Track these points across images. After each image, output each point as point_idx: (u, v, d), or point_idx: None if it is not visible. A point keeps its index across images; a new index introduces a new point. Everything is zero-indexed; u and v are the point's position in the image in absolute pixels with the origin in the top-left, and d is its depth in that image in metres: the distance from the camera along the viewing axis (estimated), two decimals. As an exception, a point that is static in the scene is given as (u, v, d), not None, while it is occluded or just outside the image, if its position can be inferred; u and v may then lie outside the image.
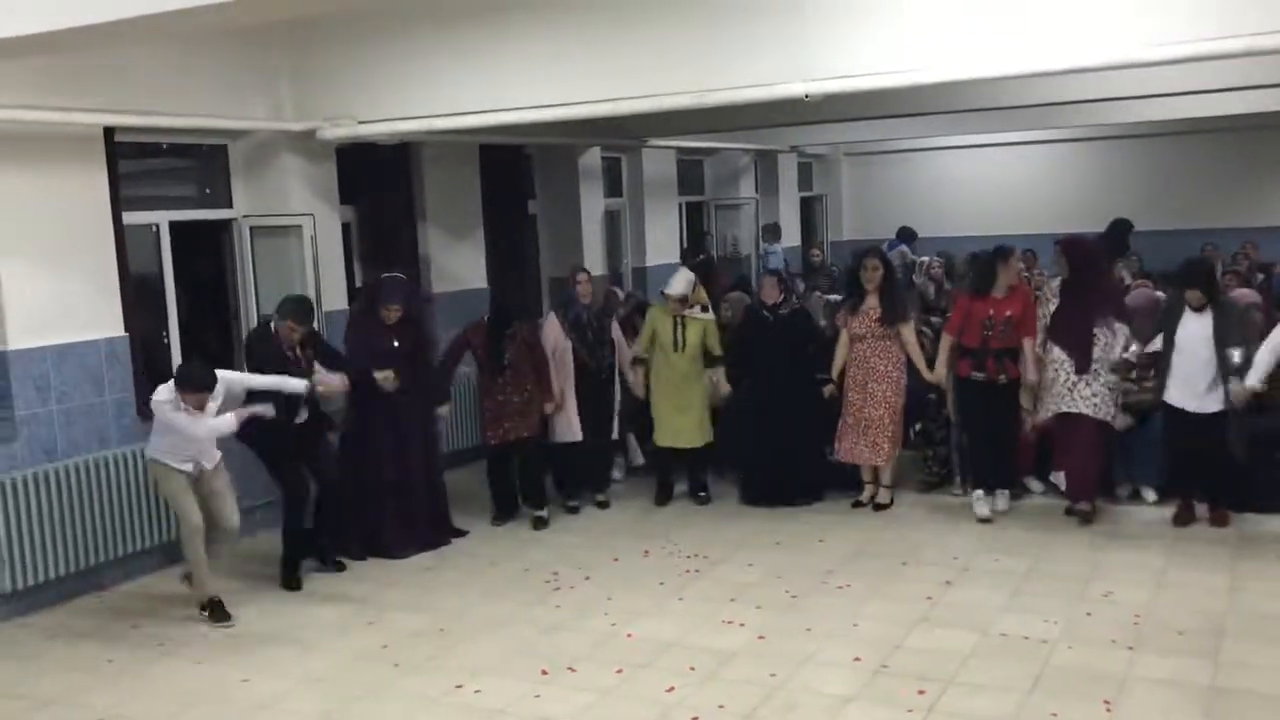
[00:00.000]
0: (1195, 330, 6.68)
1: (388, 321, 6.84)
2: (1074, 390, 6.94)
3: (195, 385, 5.63)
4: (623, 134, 10.68)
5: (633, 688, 4.90)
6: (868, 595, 5.95)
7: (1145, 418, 7.18)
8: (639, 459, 8.42)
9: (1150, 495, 7.30)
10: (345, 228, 8.29)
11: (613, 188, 11.98)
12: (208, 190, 7.73)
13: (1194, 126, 13.41)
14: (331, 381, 6.29)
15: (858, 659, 5.07)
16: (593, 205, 11.08)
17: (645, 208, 12.32)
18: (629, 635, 5.50)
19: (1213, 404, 6.62)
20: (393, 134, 7.46)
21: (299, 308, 6.37)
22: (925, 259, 11.84)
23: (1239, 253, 11.21)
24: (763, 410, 7.62)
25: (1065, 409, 6.97)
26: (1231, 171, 14.92)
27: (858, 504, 7.58)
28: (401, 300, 6.89)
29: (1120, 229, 12.36)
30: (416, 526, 7.01)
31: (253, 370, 6.20)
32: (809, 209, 17.20)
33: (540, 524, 7.42)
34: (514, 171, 10.04)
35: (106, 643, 5.71)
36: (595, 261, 10.98)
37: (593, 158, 11.06)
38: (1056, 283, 7.24)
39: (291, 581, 6.42)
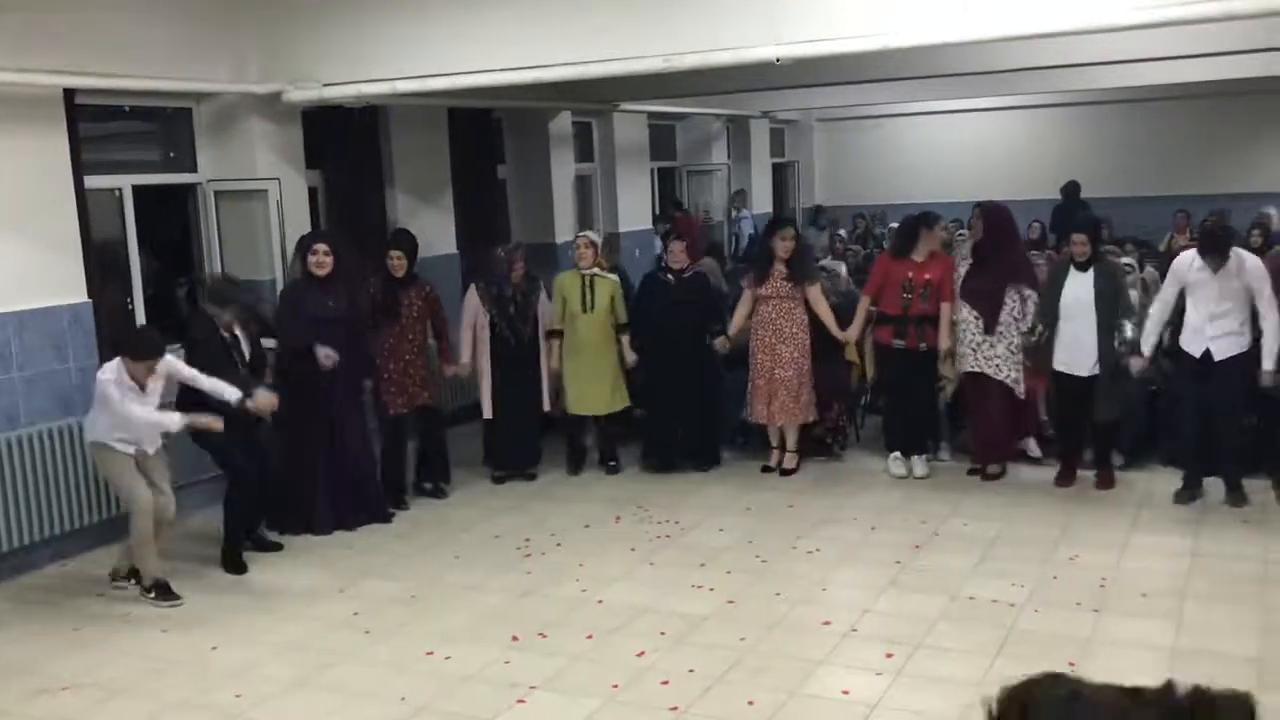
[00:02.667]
0: (1080, 292, 6.76)
1: (319, 271, 6.58)
2: (978, 350, 7.11)
3: (144, 351, 5.48)
4: (593, 98, 10.60)
5: (603, 653, 4.91)
6: (837, 560, 5.98)
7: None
8: None
9: (1116, 460, 7.36)
10: (312, 192, 8.19)
11: (584, 153, 11.90)
12: (171, 154, 7.62)
13: (1168, 93, 13.48)
14: (263, 403, 5.91)
15: (827, 623, 5.10)
16: (563, 170, 11.01)
17: (617, 173, 12.25)
18: (600, 601, 5.51)
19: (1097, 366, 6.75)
20: (359, 97, 7.36)
21: (216, 292, 6.14)
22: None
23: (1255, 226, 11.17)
24: (662, 374, 7.66)
25: (970, 368, 7.15)
26: (1203, 138, 15.02)
27: (767, 468, 7.64)
28: (331, 243, 6.65)
29: (1070, 190, 12.46)
30: (350, 502, 6.79)
31: (192, 361, 5.91)
32: (781, 175, 17.18)
33: (440, 494, 7.36)
34: (483, 136, 9.95)
35: (72, 611, 5.66)
36: (566, 229, 10.93)
37: (563, 122, 10.98)
38: (968, 247, 7.39)
39: (238, 565, 6.13)
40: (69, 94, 6.39)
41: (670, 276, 7.71)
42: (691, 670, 4.66)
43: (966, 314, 7.17)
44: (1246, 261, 6.41)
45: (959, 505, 6.80)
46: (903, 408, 7.52)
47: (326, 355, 6.50)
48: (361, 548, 6.51)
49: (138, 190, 7.19)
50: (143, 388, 5.56)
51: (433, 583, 5.88)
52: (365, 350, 6.89)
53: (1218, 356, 6.41)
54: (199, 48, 7.07)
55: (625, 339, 7.73)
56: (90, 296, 6.57)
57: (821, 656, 4.76)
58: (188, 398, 5.84)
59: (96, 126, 7.03)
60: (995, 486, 7.16)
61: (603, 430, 7.89)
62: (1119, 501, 6.75)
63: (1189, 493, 6.64)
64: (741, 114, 14.65)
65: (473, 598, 5.65)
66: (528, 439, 7.77)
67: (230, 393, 5.79)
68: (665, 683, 4.56)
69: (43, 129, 6.31)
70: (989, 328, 7.07)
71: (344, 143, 8.39)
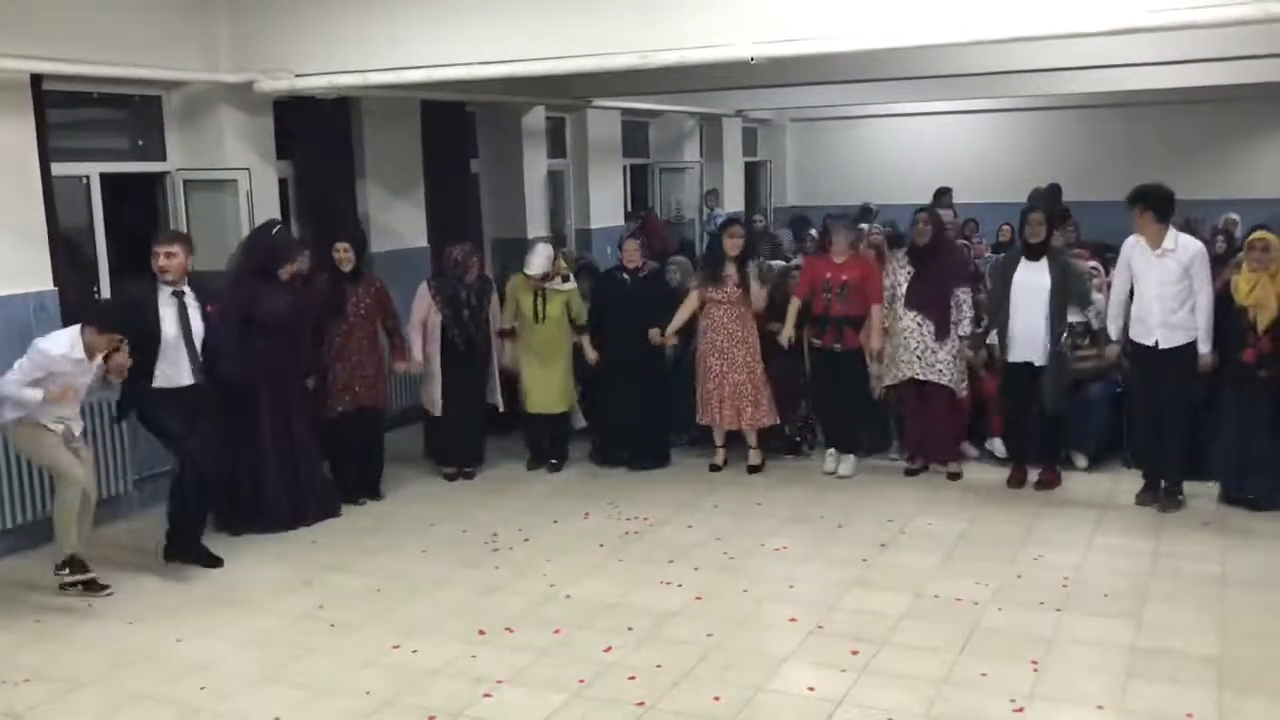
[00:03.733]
0: (1032, 282, 6.81)
1: (286, 276, 6.53)
2: (924, 358, 7.17)
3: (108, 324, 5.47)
4: (567, 93, 10.59)
5: (570, 648, 4.91)
6: (805, 557, 6.01)
7: (1078, 385, 7.31)
8: (580, 422, 8.39)
9: (1081, 461, 7.44)
10: (282, 183, 8.14)
11: (556, 148, 11.89)
12: (140, 142, 7.55)
13: (1139, 98, 13.60)
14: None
15: (794, 619, 5.13)
16: (536, 166, 10.99)
17: (589, 169, 12.25)
18: (568, 596, 5.51)
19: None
20: (331, 88, 7.33)
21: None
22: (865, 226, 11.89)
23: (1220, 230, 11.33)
24: (617, 373, 7.68)
25: (918, 374, 7.20)
26: (1174, 144, 15.15)
27: (714, 467, 7.69)
28: (302, 253, 6.59)
29: (1052, 193, 12.49)
30: (298, 499, 6.65)
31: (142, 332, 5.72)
32: (753, 174, 17.22)
33: (378, 495, 7.22)
34: (456, 130, 9.91)
35: (33, 603, 5.60)
36: (539, 224, 10.92)
37: (536, 118, 10.96)
38: (902, 253, 7.45)
39: (202, 554, 5.98)
40: (36, 79, 6.31)
41: (625, 275, 7.73)
42: (658, 665, 4.68)
43: (910, 321, 7.20)
44: (1185, 241, 6.50)
45: (926, 505, 6.85)
46: (828, 406, 7.64)
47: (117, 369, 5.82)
48: (327, 542, 6.48)
49: (106, 178, 7.12)
50: (92, 358, 5.48)
51: (399, 577, 5.86)
52: (309, 348, 6.74)
53: (1164, 345, 6.48)
54: (170, 35, 7.01)
55: (585, 339, 7.75)
56: (56, 284, 6.50)
57: (787, 653, 4.79)
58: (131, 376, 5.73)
59: (64, 113, 6.96)
60: (962, 486, 7.21)
61: (551, 429, 7.88)
62: (1083, 503, 6.81)
63: (1151, 493, 6.70)
64: (715, 112, 14.68)
65: (439, 592, 5.64)
66: (473, 437, 7.73)
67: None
68: (632, 678, 4.57)
69: (9, 115, 6.23)
70: (941, 334, 7.12)
71: (315, 134, 8.33)
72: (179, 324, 5.83)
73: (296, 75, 7.16)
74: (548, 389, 7.71)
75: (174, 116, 7.48)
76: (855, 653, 4.75)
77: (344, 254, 7.03)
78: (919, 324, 7.17)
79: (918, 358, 7.18)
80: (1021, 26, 5.80)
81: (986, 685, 4.42)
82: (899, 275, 7.28)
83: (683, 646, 4.87)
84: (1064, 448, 7.31)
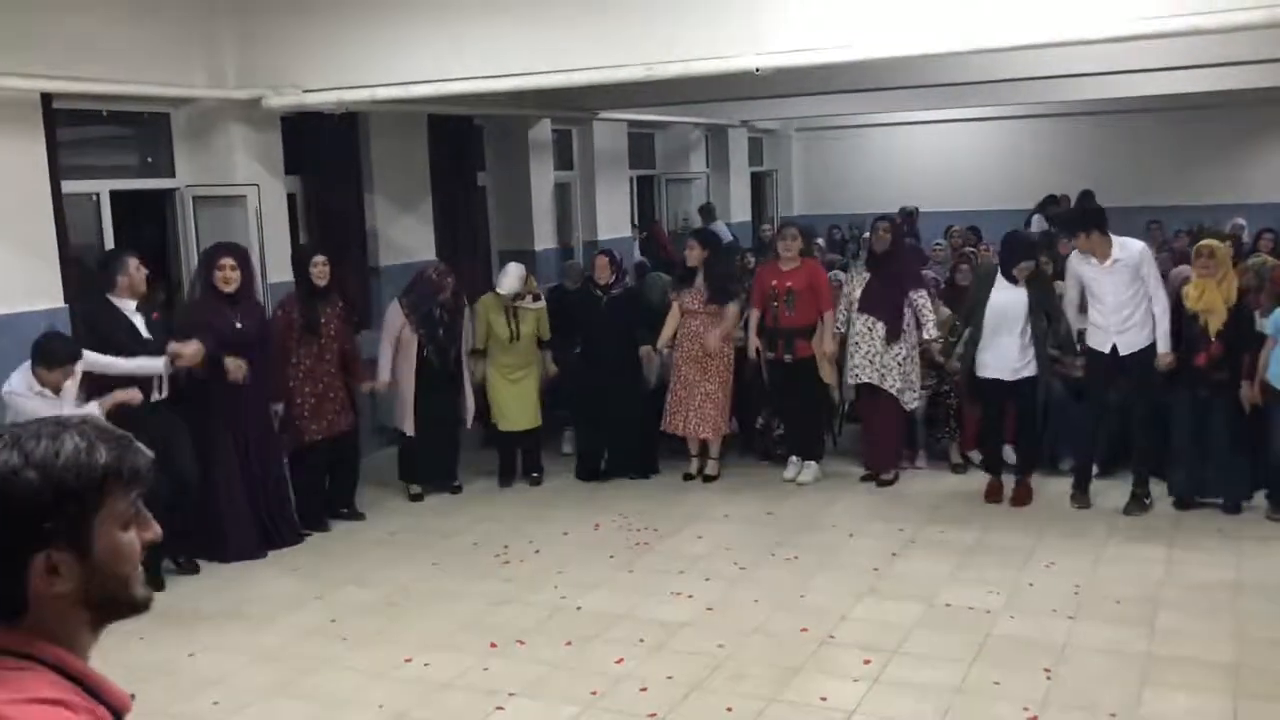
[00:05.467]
0: (1010, 303, 6.83)
1: (225, 287, 6.20)
2: (874, 362, 7.25)
3: (57, 359, 5.29)
4: (573, 106, 10.62)
5: (582, 660, 4.91)
6: (815, 567, 6.00)
7: (1079, 393, 7.31)
8: (568, 447, 8.39)
9: (1067, 464, 7.44)
10: (291, 199, 8.17)
11: (563, 160, 11.91)
12: (149, 159, 7.58)
13: (1146, 105, 13.58)
14: (187, 352, 5.70)
15: (805, 629, 5.12)
16: (543, 178, 11.02)
17: (596, 181, 12.27)
18: (578, 608, 5.51)
19: (1027, 370, 6.82)
20: (338, 103, 7.34)
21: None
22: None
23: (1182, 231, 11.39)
24: (595, 390, 7.72)
25: (866, 379, 7.29)
26: (1181, 150, 15.15)
27: (688, 476, 7.74)
28: (239, 257, 6.29)
29: (1086, 200, 12.39)
30: (260, 529, 6.46)
31: (105, 350, 5.69)
32: (759, 184, 17.23)
33: (359, 516, 7.11)
34: (463, 143, 9.95)
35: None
36: (546, 236, 10.94)
37: (543, 130, 10.99)
38: (861, 263, 7.55)
39: (155, 581, 5.65)
40: (46, 98, 6.34)
41: (599, 292, 7.78)
42: (670, 677, 4.67)
43: (862, 325, 7.28)
44: (1128, 244, 6.57)
45: (936, 513, 6.84)
46: (784, 415, 7.73)
47: (237, 366, 6.15)
48: (338, 555, 6.49)
49: (116, 195, 7.15)
50: (56, 391, 5.35)
51: (410, 590, 5.87)
52: (276, 372, 6.57)
53: (1124, 351, 6.54)
54: (178, 53, 7.04)
55: (548, 355, 7.83)
56: (67, 302, 6.52)
57: (799, 663, 4.78)
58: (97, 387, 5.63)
59: (74, 131, 6.99)
60: (973, 494, 7.19)
61: (523, 445, 7.87)
62: (1094, 510, 6.79)
63: (1138, 502, 6.70)
64: (720, 123, 14.69)
65: (451, 605, 5.64)
66: (448, 455, 7.66)
67: (153, 364, 5.65)
68: (644, 689, 4.57)
69: (20, 133, 6.26)
70: (893, 337, 7.20)
71: (323, 149, 8.37)
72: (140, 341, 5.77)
73: (304, 91, 7.18)
74: (523, 407, 7.71)
75: (182, 133, 7.51)
76: (868, 662, 4.74)
77: (321, 268, 6.83)
78: (870, 328, 7.26)
79: (869, 362, 7.28)
80: (1028, 34, 5.81)
81: (1000, 694, 4.41)
82: (856, 281, 7.41)
83: (694, 657, 4.86)
84: (1041, 461, 7.32)
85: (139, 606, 1.51)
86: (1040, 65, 8.93)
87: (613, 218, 12.54)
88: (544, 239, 10.87)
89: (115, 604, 1.49)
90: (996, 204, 14.47)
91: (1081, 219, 6.66)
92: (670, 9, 6.24)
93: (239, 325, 6.23)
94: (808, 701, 4.44)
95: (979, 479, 7.35)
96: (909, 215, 14.08)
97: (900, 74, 9.23)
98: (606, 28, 6.36)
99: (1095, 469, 6.96)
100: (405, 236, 9.29)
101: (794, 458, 7.65)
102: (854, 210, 16.12)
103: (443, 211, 9.65)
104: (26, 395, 5.27)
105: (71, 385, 5.46)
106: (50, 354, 5.32)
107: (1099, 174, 15.19)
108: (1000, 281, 6.89)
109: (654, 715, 4.35)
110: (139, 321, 5.89)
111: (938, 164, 16.55)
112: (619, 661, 4.85)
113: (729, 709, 4.38)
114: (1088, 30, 5.70)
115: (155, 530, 1.47)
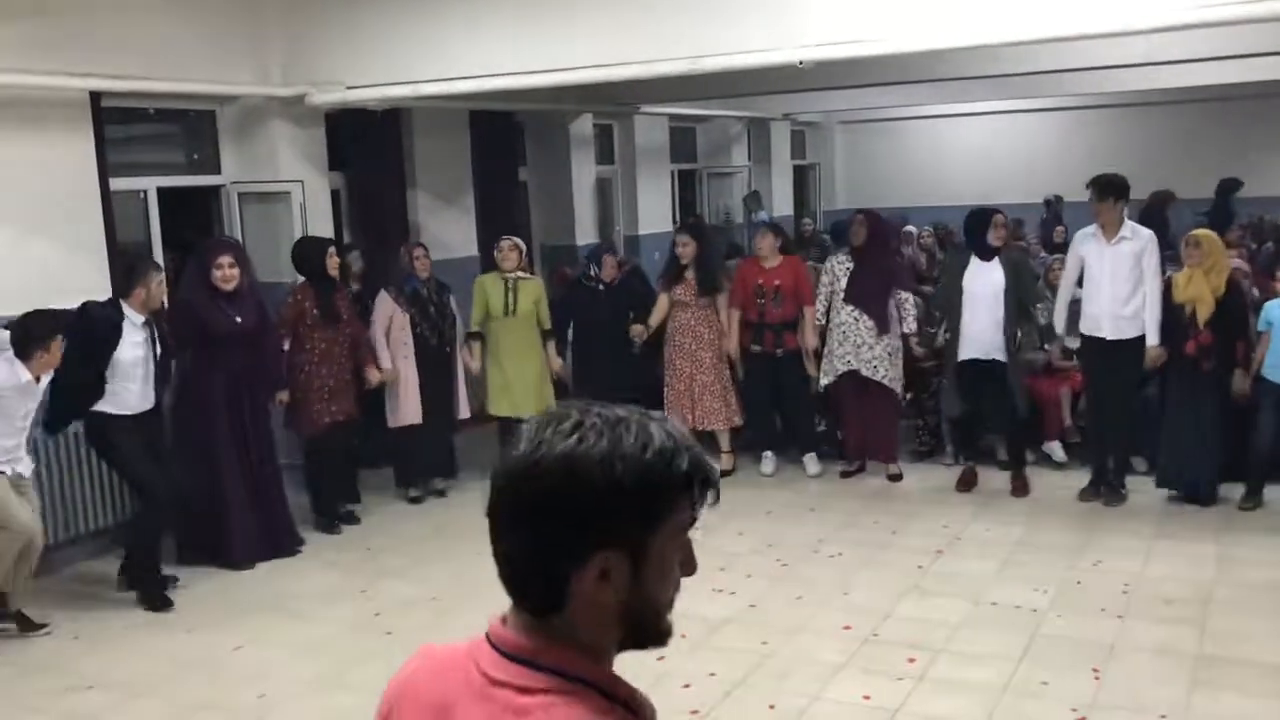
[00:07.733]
0: (983, 282, 6.76)
1: (225, 286, 6.04)
2: (859, 353, 7.22)
3: (49, 329, 5.14)
4: (614, 101, 10.61)
5: (623, 656, 4.85)
6: (859, 564, 5.96)
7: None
8: None
9: (1059, 454, 7.50)
10: (334, 194, 8.23)
11: (604, 155, 11.90)
12: (195, 156, 7.67)
13: (1190, 95, 13.35)
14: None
15: (848, 627, 5.09)
16: (584, 173, 11.02)
17: (637, 175, 12.26)
18: (620, 604, 5.50)
19: (999, 353, 6.77)
20: (382, 100, 7.39)
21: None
22: (911, 228, 11.78)
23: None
24: (593, 382, 7.68)
25: (850, 368, 7.26)
26: (1221, 141, 14.87)
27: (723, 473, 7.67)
28: (236, 256, 6.15)
29: (1161, 199, 12.04)
30: (260, 533, 6.31)
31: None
32: (801, 177, 17.13)
33: (353, 519, 6.96)
34: (505, 138, 9.97)
35: (92, 611, 5.68)
36: (587, 231, 10.94)
37: (584, 125, 10.99)
38: (844, 255, 7.47)
39: (156, 600, 5.66)
40: (95, 97, 6.44)
41: (601, 287, 7.82)
42: (712, 674, 4.66)
43: (847, 316, 7.25)
44: (1141, 232, 6.54)
45: (981, 510, 6.77)
46: (771, 409, 7.73)
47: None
48: (379, 549, 6.52)
49: (162, 192, 7.24)
50: (37, 380, 5.22)
51: (454, 583, 5.88)
52: (275, 366, 6.46)
53: (1114, 337, 6.52)
54: (223, 51, 7.12)
55: (551, 346, 7.66)
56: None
57: (843, 661, 4.75)
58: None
59: (122, 129, 7.09)
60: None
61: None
62: (1142, 507, 6.70)
63: (1095, 490, 6.74)
64: (762, 116, 14.61)
65: (495, 597, 5.61)
66: (445, 448, 7.56)
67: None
68: (686, 686, 4.56)
69: (70, 132, 6.36)
70: (881, 329, 7.19)
71: (366, 145, 8.43)
72: (147, 346, 5.66)
73: (347, 87, 7.24)
74: (522, 388, 7.40)
75: (228, 131, 7.59)
76: (912, 661, 4.70)
77: (334, 260, 6.75)
78: (855, 318, 7.24)
79: (854, 350, 7.24)
80: (1069, 25, 5.73)
81: (1047, 694, 4.36)
82: (838, 271, 7.37)
83: (737, 654, 4.84)
84: (1033, 447, 7.33)
85: (663, 638, 1.35)
86: (1083, 56, 8.80)
87: (654, 212, 12.53)
88: (585, 233, 10.87)
89: (644, 629, 1.33)
90: (1038, 196, 14.28)
91: (1114, 187, 6.53)
92: (712, 2, 6.21)
93: (238, 320, 6.12)
94: (851, 700, 4.40)
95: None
96: (1050, 204, 13.91)
97: (943, 66, 9.13)
98: (649, 22, 6.35)
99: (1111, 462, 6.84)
100: (447, 231, 9.33)
101: (767, 454, 7.70)
102: (897, 204, 15.99)
103: (484, 206, 9.68)
104: (10, 381, 5.10)
105: (43, 383, 5.28)
106: (30, 333, 5.12)
107: (1147, 165, 14.95)
108: (974, 263, 6.86)
109: (696, 712, 4.34)
110: (139, 336, 5.65)
111: (981, 156, 16.36)
112: (661, 658, 4.83)
113: (771, 706, 4.36)
114: (1131, 21, 5.62)
115: (695, 564, 1.31)
